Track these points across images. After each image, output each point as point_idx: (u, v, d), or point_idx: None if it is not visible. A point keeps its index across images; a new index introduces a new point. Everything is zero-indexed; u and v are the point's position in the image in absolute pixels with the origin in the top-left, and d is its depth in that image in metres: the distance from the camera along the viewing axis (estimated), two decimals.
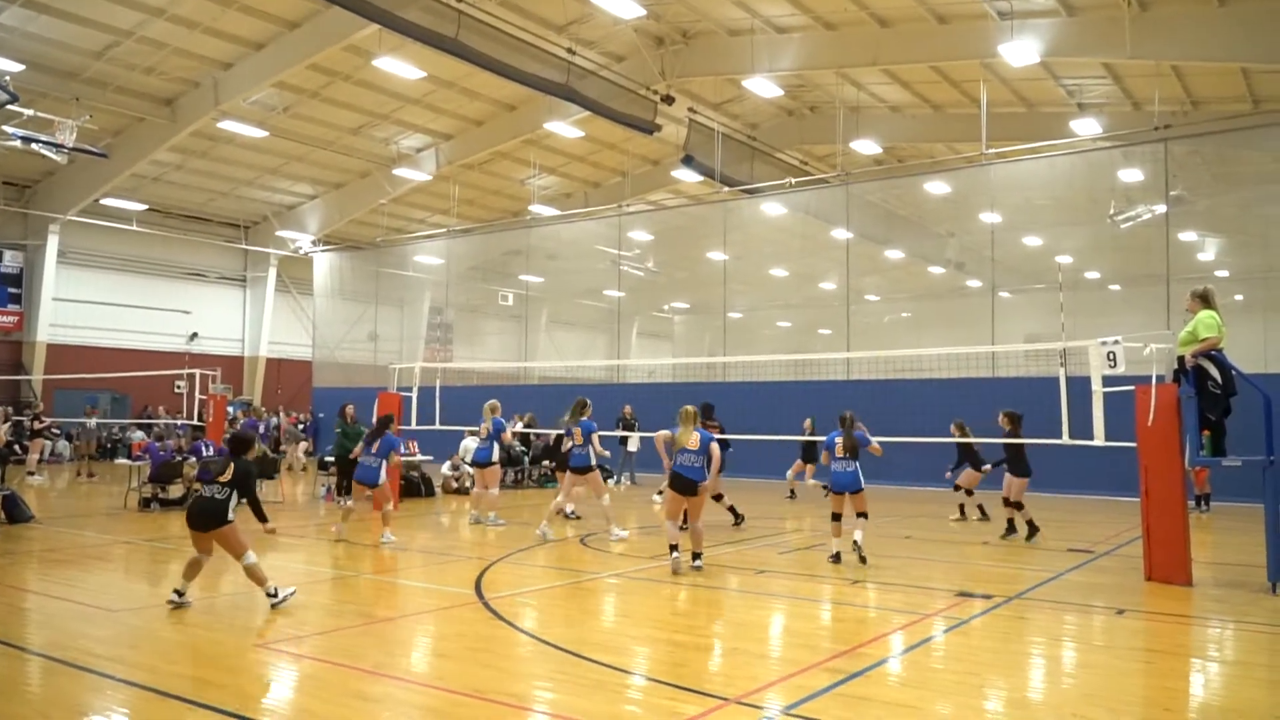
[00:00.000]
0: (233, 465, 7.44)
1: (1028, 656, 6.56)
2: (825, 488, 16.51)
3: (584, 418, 12.07)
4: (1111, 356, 9.15)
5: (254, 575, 7.36)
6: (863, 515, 10.18)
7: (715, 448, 9.35)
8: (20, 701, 5.21)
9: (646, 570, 9.67)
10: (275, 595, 7.34)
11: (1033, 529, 12.06)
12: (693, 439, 9.29)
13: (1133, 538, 11.30)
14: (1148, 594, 8.52)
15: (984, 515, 14.28)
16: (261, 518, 7.57)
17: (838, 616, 7.90)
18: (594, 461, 11.94)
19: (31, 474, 19.86)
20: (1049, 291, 19.26)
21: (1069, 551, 11.14)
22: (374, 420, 12.26)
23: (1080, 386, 9.66)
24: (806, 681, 5.61)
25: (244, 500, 7.45)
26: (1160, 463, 8.94)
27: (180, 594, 7.38)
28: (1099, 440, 9.39)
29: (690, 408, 9.57)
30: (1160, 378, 8.95)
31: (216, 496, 7.33)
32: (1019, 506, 12.06)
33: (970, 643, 6.78)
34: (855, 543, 9.94)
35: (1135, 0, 18.21)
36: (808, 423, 16.99)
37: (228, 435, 17.18)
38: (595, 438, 11.95)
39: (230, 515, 7.32)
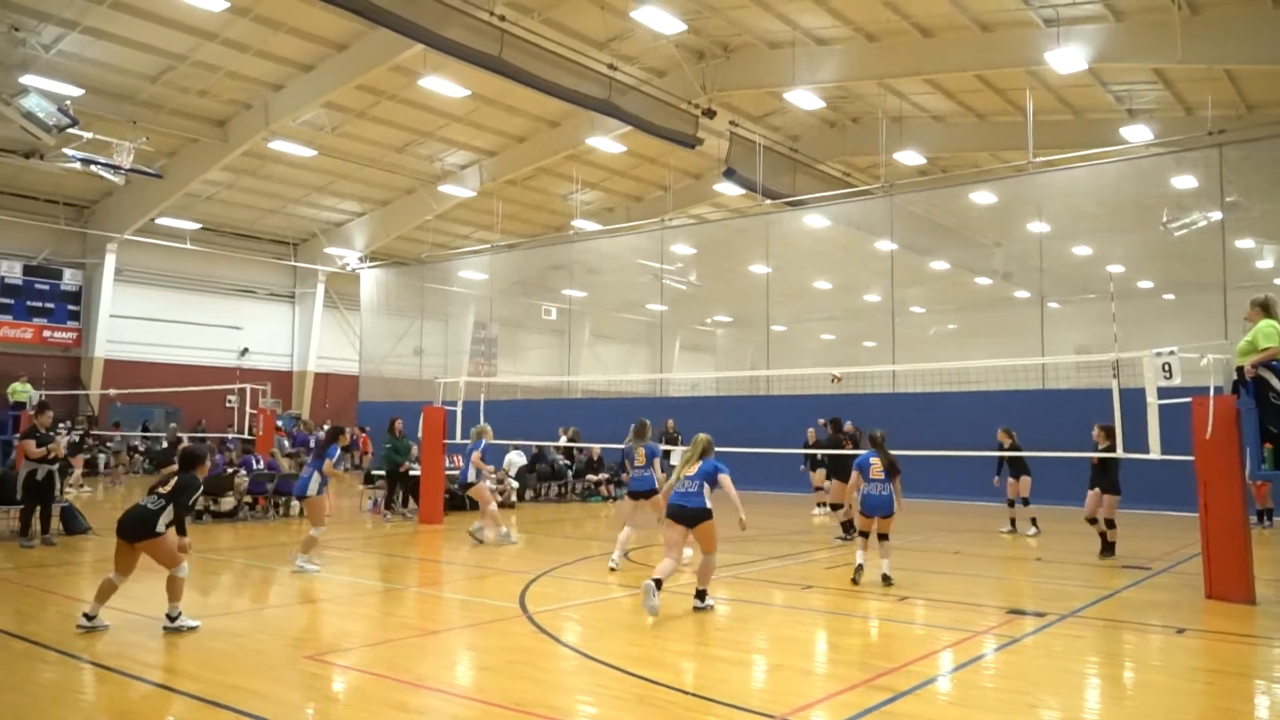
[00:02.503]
0: (174, 479, 7.16)
1: (1082, 676, 6.38)
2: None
3: (647, 440, 11.73)
4: (1167, 367, 8.93)
5: (174, 588, 7.03)
6: (884, 537, 9.74)
7: (726, 479, 8.09)
8: (71, 708, 5.31)
9: (690, 585, 9.59)
10: (174, 618, 6.97)
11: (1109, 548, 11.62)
12: (692, 468, 8.20)
13: (1191, 554, 10.97)
14: (1208, 612, 8.25)
15: (1034, 527, 14.02)
16: (180, 531, 7.15)
17: (885, 633, 7.76)
18: (658, 485, 11.60)
19: (82, 487, 20.25)
20: (1100, 301, 18.83)
21: (1124, 569, 10.83)
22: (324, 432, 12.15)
23: (1134, 398, 9.42)
24: (853, 699, 5.51)
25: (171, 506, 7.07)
26: (1219, 477, 8.68)
27: (90, 618, 7.03)
28: (1155, 454, 9.15)
29: (703, 436, 8.38)
30: (1218, 389, 8.71)
31: (149, 507, 7.04)
32: (1111, 524, 11.46)
33: (1022, 661, 6.62)
34: (885, 575, 9.44)
35: (1185, 3, 17.82)
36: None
37: (245, 449, 17.25)
38: (658, 462, 11.67)
39: (160, 528, 7.01)
